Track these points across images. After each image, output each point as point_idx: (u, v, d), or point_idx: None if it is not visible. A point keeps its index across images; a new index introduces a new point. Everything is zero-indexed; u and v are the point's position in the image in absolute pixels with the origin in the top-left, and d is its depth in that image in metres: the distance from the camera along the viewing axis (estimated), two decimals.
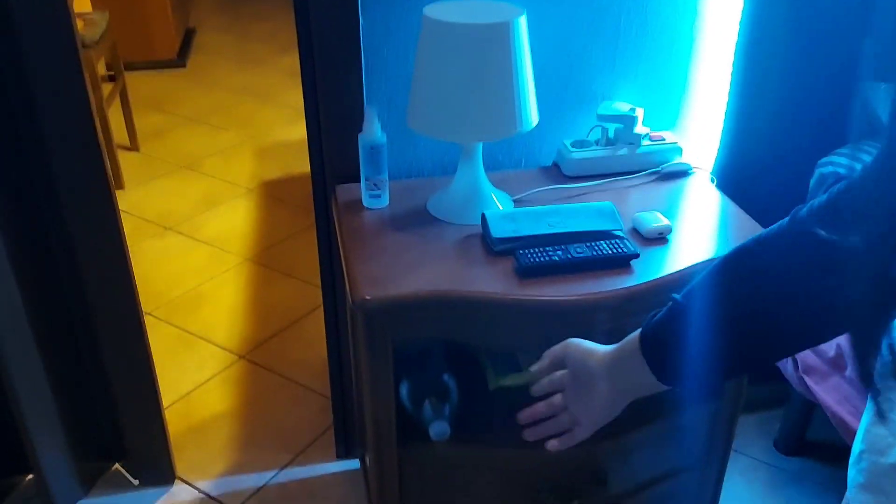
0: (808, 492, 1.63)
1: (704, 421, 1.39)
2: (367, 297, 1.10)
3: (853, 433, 1.36)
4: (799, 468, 1.69)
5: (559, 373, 0.85)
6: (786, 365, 1.57)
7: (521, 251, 1.16)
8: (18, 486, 1.66)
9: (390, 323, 1.14)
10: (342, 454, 1.74)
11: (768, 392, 1.77)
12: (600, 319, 1.15)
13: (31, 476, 1.66)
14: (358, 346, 1.47)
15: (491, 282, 1.13)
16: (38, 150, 1.33)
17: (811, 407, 1.66)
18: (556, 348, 0.86)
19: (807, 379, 1.50)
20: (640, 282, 1.14)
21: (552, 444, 0.86)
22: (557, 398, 0.85)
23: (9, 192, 1.35)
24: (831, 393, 1.44)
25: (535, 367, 0.88)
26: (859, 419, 1.31)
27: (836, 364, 1.43)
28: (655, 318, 0.76)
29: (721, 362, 0.73)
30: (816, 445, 1.72)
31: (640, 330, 0.77)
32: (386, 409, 1.21)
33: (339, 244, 1.25)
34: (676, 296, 0.74)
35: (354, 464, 1.73)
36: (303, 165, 3.13)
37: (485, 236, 1.22)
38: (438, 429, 1.23)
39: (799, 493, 1.62)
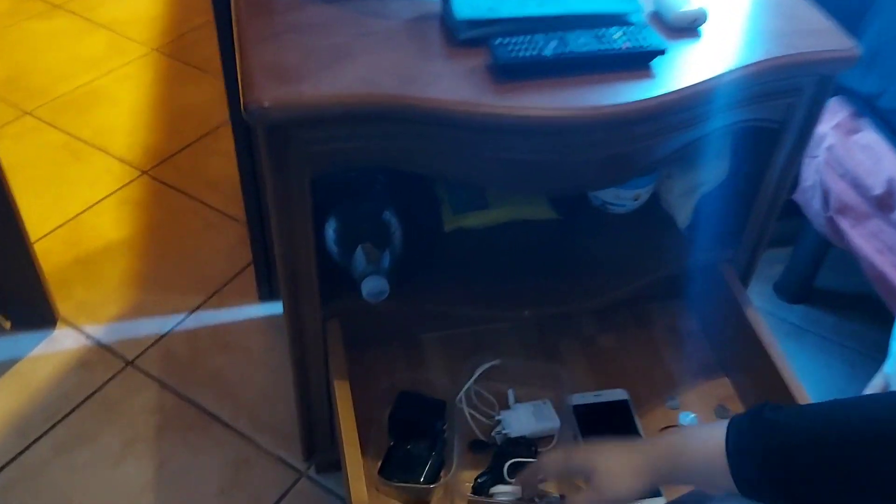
0: (810, 346, 1.41)
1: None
2: (266, 104, 0.73)
3: None
4: (801, 318, 1.45)
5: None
6: (811, 200, 1.28)
7: (497, 40, 0.79)
8: None
9: (305, 143, 0.78)
10: (266, 296, 1.44)
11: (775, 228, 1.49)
12: (605, 141, 0.82)
13: None
14: None
15: (454, 84, 0.77)
16: None
17: (826, 249, 1.39)
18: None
19: (839, 220, 1.22)
20: (668, 91, 0.79)
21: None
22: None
23: None
24: (870, 240, 1.16)
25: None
26: None
27: (883, 203, 1.14)
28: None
29: None
30: (825, 294, 1.48)
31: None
32: (304, 259, 0.89)
33: (234, 18, 0.86)
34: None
35: (280, 307, 1.44)
36: None
37: (446, 17, 0.84)
38: (372, 286, 0.92)
39: (799, 348, 1.40)
